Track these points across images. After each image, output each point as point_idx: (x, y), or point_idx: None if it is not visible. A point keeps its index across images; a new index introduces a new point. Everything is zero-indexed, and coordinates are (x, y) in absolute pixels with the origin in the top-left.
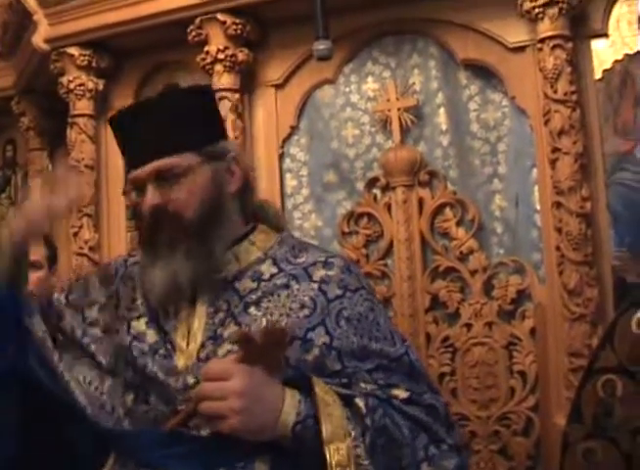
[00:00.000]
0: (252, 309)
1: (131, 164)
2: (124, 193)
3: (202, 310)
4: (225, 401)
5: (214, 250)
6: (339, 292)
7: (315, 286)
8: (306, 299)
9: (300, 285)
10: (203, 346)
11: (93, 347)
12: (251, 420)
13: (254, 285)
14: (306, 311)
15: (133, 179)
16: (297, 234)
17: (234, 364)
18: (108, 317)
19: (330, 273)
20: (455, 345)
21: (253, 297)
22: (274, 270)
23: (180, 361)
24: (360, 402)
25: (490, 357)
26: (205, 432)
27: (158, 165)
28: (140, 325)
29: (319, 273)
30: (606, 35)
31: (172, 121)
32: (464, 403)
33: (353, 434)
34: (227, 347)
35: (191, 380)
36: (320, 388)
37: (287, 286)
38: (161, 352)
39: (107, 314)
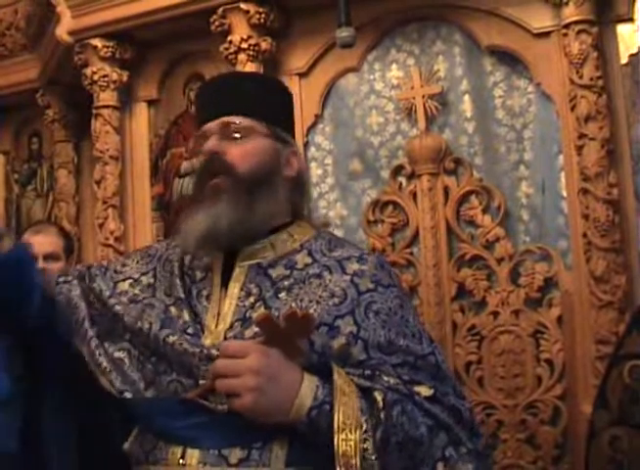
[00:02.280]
0: (283, 295)
1: (203, 118)
2: (178, 175)
3: (233, 293)
4: (240, 379)
5: (256, 208)
6: (370, 286)
7: (347, 278)
8: (337, 289)
9: (333, 276)
10: (231, 327)
11: (118, 308)
12: (264, 399)
13: (287, 272)
14: (336, 300)
15: (203, 131)
16: (331, 229)
17: (252, 343)
18: (138, 291)
19: (363, 268)
20: (482, 333)
21: (286, 283)
22: (308, 260)
23: (207, 340)
24: (378, 396)
25: (517, 346)
26: (221, 408)
27: (227, 119)
28: (173, 310)
29: (352, 267)
30: (631, 20)
31: (253, 93)
32: (491, 392)
33: (365, 426)
34: (255, 329)
35: (214, 353)
36: (340, 376)
37: (319, 276)
38: (190, 330)
39: (137, 289)
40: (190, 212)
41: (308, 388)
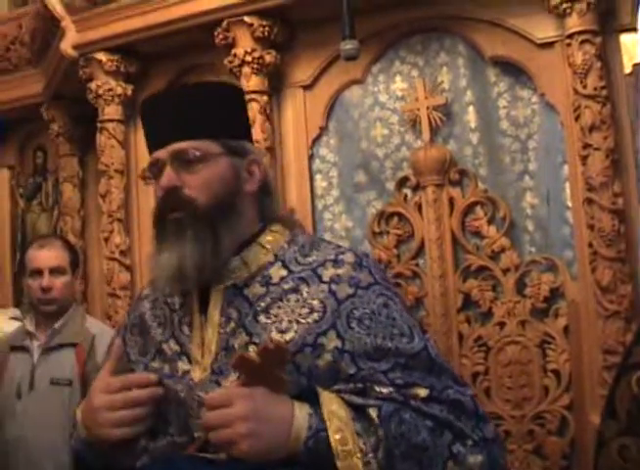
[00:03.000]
0: (262, 318)
1: (153, 146)
2: (143, 178)
3: (214, 320)
4: (231, 428)
5: (222, 239)
6: (350, 291)
7: (325, 287)
8: (316, 302)
9: (310, 288)
10: (216, 357)
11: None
12: (261, 441)
13: (263, 290)
14: (316, 316)
15: (153, 160)
16: (327, 235)
17: (234, 389)
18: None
19: (339, 272)
20: (488, 344)
21: (262, 304)
22: (283, 273)
23: (196, 374)
24: (373, 413)
25: (524, 356)
26: (223, 456)
27: (177, 147)
28: (160, 336)
29: (328, 273)
30: (635, 29)
31: (198, 109)
32: (498, 403)
33: (364, 448)
34: None
35: (202, 394)
36: (329, 400)
37: (296, 290)
38: (180, 365)
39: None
40: (155, 251)
41: (301, 418)
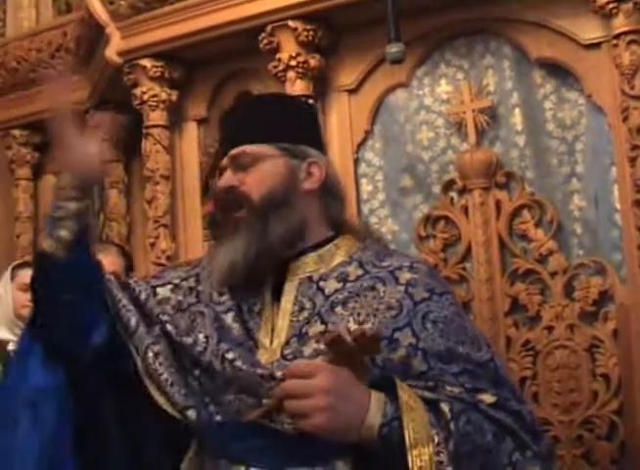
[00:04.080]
0: (339, 309)
1: (222, 154)
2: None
3: (286, 308)
4: (311, 399)
5: (272, 231)
6: (425, 295)
7: (402, 288)
8: (393, 301)
9: (387, 287)
10: (287, 343)
11: (164, 317)
12: (336, 419)
13: (340, 285)
14: (393, 312)
15: (220, 168)
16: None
17: (320, 363)
18: (181, 297)
19: (416, 276)
20: (536, 348)
21: (340, 297)
22: (360, 272)
23: (263, 358)
24: (445, 407)
25: (572, 360)
26: (287, 427)
27: (235, 151)
28: (227, 318)
29: (405, 276)
30: None
31: (259, 116)
32: (546, 408)
33: (436, 439)
34: (313, 345)
35: (278, 372)
36: (404, 391)
37: (373, 288)
38: (245, 346)
39: (180, 295)
40: (212, 250)
41: (377, 405)
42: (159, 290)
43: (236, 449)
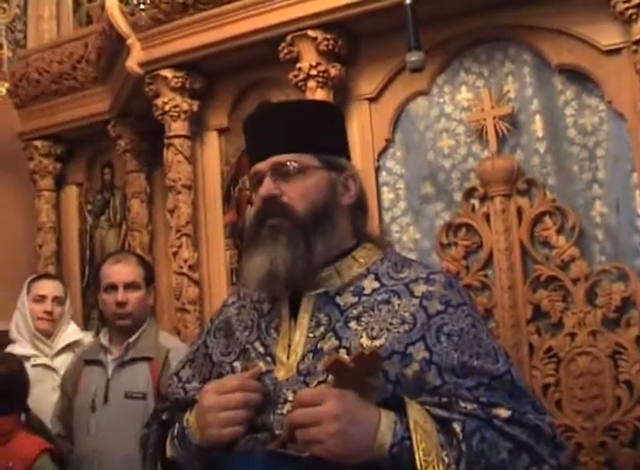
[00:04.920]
0: (353, 324)
1: (254, 158)
2: (249, 189)
3: (303, 324)
4: (320, 426)
5: (315, 246)
6: (440, 307)
7: (416, 301)
8: (407, 314)
9: (401, 300)
10: (303, 359)
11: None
12: (347, 442)
13: (355, 299)
14: (406, 327)
15: (255, 172)
16: (395, 248)
17: (326, 389)
18: (200, 365)
19: (431, 289)
20: (559, 355)
21: (355, 311)
22: (375, 285)
23: (280, 373)
24: (458, 427)
25: (595, 367)
26: (304, 454)
27: (277, 159)
28: (257, 347)
29: (420, 289)
30: None
31: (299, 124)
32: (569, 414)
33: (447, 460)
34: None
35: (290, 395)
36: (414, 410)
37: (388, 301)
38: (261, 364)
39: (199, 362)
40: (249, 253)
41: (387, 425)
42: (180, 373)
43: None
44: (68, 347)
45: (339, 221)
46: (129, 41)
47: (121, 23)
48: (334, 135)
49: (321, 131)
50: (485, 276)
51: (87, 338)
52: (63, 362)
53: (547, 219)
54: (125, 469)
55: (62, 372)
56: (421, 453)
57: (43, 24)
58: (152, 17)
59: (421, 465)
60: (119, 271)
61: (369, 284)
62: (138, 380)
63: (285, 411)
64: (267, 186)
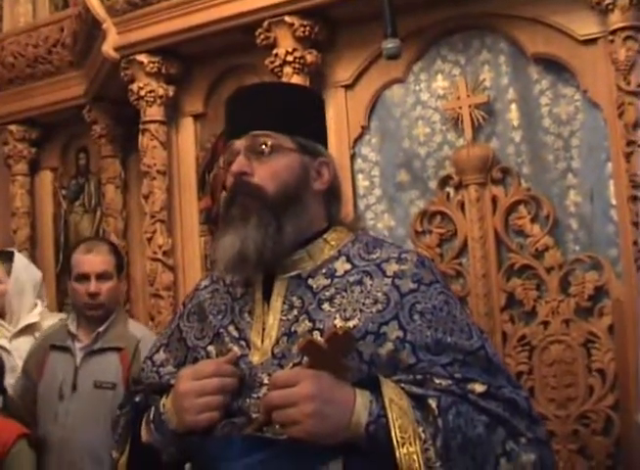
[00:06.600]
0: (326, 306)
1: (230, 135)
2: (222, 168)
3: (276, 307)
4: (296, 407)
5: (285, 228)
6: (412, 286)
7: (389, 281)
8: (379, 294)
9: (374, 281)
10: (277, 342)
11: (172, 381)
12: (324, 422)
13: (328, 281)
14: (379, 306)
15: (229, 148)
16: (369, 232)
17: (301, 370)
18: (175, 350)
19: (403, 267)
20: (532, 343)
21: (327, 293)
22: (347, 267)
23: (255, 357)
24: (433, 403)
25: (568, 355)
26: (282, 436)
27: (254, 134)
28: (231, 330)
29: (392, 268)
30: None
31: (279, 105)
32: (542, 403)
33: (423, 436)
34: None
35: (265, 379)
36: (389, 387)
37: (360, 282)
38: (236, 349)
39: (174, 347)
40: (219, 234)
41: (362, 404)
42: (154, 357)
43: (237, 466)
44: (28, 329)
45: (309, 205)
46: (105, 25)
47: (97, 7)
48: (312, 121)
49: (300, 115)
50: (460, 264)
51: (47, 321)
52: (19, 345)
53: (522, 208)
54: (93, 458)
55: (16, 355)
56: (397, 430)
57: (19, 8)
58: (128, 1)
59: (397, 442)
60: (91, 261)
61: (341, 266)
62: (108, 370)
63: (261, 395)
64: (239, 163)
